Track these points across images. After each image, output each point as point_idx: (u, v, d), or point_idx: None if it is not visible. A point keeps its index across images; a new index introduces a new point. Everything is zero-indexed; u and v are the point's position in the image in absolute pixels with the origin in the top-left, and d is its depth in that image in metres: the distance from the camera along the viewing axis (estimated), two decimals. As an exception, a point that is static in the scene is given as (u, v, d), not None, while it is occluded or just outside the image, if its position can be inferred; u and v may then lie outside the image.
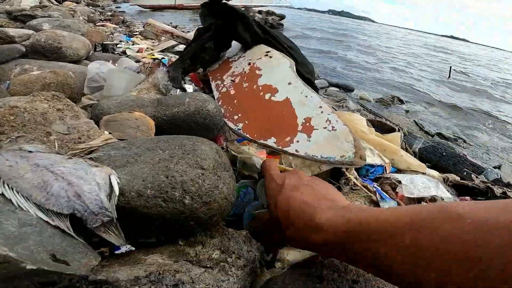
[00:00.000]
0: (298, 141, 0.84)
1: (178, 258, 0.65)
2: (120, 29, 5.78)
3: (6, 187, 0.52)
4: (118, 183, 0.59)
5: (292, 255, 0.91)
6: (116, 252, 0.58)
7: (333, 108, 2.47)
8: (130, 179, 0.62)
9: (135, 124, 0.93)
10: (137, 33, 4.81)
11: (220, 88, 1.35)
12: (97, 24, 6.16)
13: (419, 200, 1.21)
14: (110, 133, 0.88)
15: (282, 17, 11.40)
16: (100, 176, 0.58)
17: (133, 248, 0.60)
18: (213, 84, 1.44)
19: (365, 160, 0.72)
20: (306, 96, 0.97)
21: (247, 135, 0.98)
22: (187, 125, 1.02)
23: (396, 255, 0.34)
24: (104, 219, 0.52)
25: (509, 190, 1.71)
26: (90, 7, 11.39)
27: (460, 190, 1.70)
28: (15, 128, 0.74)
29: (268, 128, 0.95)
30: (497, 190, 1.64)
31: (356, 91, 3.57)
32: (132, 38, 3.82)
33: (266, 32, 1.77)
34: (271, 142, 0.90)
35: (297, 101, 0.97)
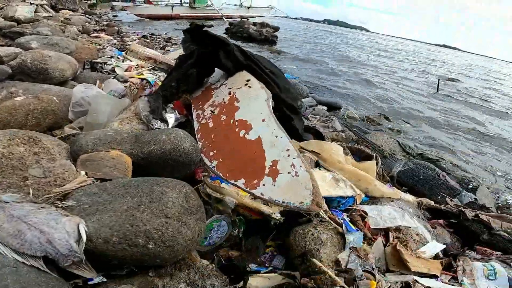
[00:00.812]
0: (264, 184, 0.89)
1: None
2: (114, 41, 5.82)
3: (-16, 235, 0.59)
4: (85, 231, 0.66)
5: (261, 282, 0.95)
6: (90, 283, 0.66)
7: (320, 128, 2.53)
8: (97, 227, 0.68)
9: (112, 163, 0.97)
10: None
11: (200, 119, 1.39)
12: (91, 35, 6.20)
13: (385, 229, 1.26)
14: (86, 173, 0.92)
15: (276, 29, 11.60)
16: (69, 225, 0.64)
17: (105, 280, 0.68)
18: (194, 114, 1.48)
19: (321, 207, 0.77)
20: (276, 137, 1.02)
21: (220, 174, 1.02)
22: (163, 162, 1.06)
23: None
24: (74, 260, 0.61)
25: (481, 212, 1.77)
26: (87, 15, 11.45)
27: (434, 213, 1.76)
28: (-9, 174, 0.78)
29: (239, 168, 1.00)
30: (469, 214, 1.70)
31: (344, 108, 3.66)
32: (123, 53, 3.87)
33: (248, 58, 1.82)
34: (240, 183, 0.94)
35: (268, 141, 1.02)
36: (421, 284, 1.08)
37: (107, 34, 6.71)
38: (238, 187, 0.93)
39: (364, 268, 1.05)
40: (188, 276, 0.77)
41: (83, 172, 0.89)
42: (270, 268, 1.07)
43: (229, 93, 1.50)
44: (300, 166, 0.87)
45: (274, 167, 0.91)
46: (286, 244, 1.13)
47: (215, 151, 1.11)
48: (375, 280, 1.01)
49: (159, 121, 1.38)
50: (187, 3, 19.26)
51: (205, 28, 1.78)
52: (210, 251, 1.15)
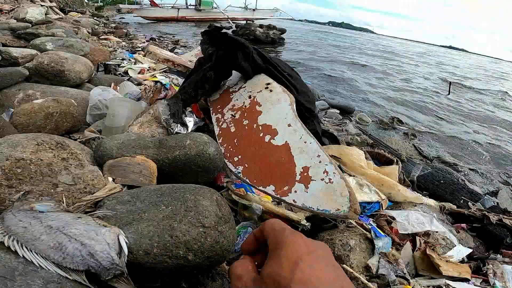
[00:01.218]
0: (296, 191, 0.86)
1: None
2: (124, 43, 5.87)
3: (25, 249, 0.57)
4: (126, 242, 0.63)
5: None
6: None
7: (334, 132, 2.50)
8: (137, 238, 0.65)
9: (138, 169, 0.95)
10: (140, 49, 4.88)
11: (221, 123, 1.37)
12: (100, 37, 6.26)
13: (413, 234, 1.23)
14: (113, 179, 0.90)
15: (283, 31, 11.58)
16: (109, 236, 0.62)
17: None
18: (213, 118, 1.46)
19: (359, 214, 0.74)
20: (305, 142, 0.99)
21: (247, 180, 1.00)
22: (188, 167, 1.04)
23: None
24: (116, 273, 0.59)
25: (505, 217, 1.73)
26: (95, 18, 11.58)
27: (456, 217, 1.72)
28: (23, 181, 0.76)
29: (267, 174, 0.97)
30: (493, 218, 1.67)
31: (357, 111, 3.61)
32: (134, 55, 3.88)
33: (266, 61, 1.80)
34: (270, 190, 0.91)
35: (296, 147, 0.99)
36: (453, 287, 1.06)
37: (115, 36, 6.77)
38: (268, 194, 0.91)
39: (396, 273, 1.02)
40: (222, 286, 0.75)
41: (110, 179, 0.87)
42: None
43: (249, 97, 1.48)
44: (334, 173, 0.84)
45: (305, 174, 0.88)
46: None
47: (240, 156, 1.09)
48: (409, 284, 0.98)
49: (179, 125, 1.36)
50: (193, 5, 19.39)
51: (224, 30, 1.76)
52: (236, 258, 1.13)
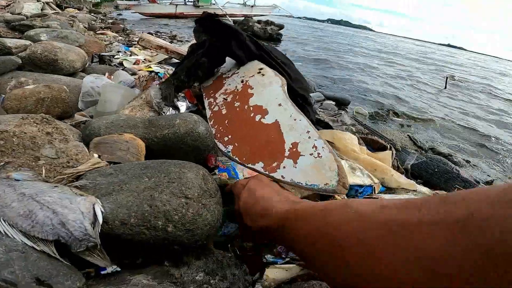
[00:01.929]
0: (284, 167, 0.85)
1: (162, 280, 0.66)
2: (120, 37, 5.84)
3: (-6, 215, 0.55)
4: (102, 212, 0.61)
5: (278, 273, 0.92)
6: (102, 272, 0.60)
7: (329, 122, 2.49)
8: (114, 208, 0.64)
9: (125, 146, 0.94)
10: (136, 42, 4.85)
11: (213, 106, 1.36)
12: (97, 32, 6.22)
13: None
14: (99, 155, 0.89)
15: (281, 27, 11.54)
16: (84, 205, 0.60)
17: (119, 269, 0.62)
18: (206, 102, 1.45)
19: (347, 189, 0.73)
20: (295, 120, 0.98)
21: (236, 158, 0.99)
22: (177, 146, 1.03)
23: (309, 232, 0.42)
24: (88, 245, 0.55)
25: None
26: (92, 14, 11.51)
27: (450, 207, 1.72)
28: (4, 153, 0.75)
29: (256, 152, 0.96)
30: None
31: (352, 104, 3.61)
32: (130, 48, 3.86)
33: (260, 48, 1.79)
34: (259, 166, 0.91)
35: (286, 125, 0.98)
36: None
37: (112, 32, 6.73)
38: (257, 170, 0.90)
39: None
40: (207, 265, 0.73)
41: (96, 155, 0.86)
42: (287, 259, 1.04)
43: (242, 81, 1.47)
44: (323, 147, 0.83)
45: (294, 149, 0.87)
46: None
47: (229, 136, 1.08)
48: None
49: (171, 108, 1.35)
50: (191, 1, 19.33)
51: (218, 18, 1.74)
52: (224, 242, 1.13)
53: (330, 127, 2.22)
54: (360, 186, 1.25)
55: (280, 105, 1.10)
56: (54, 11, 7.59)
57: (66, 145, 0.83)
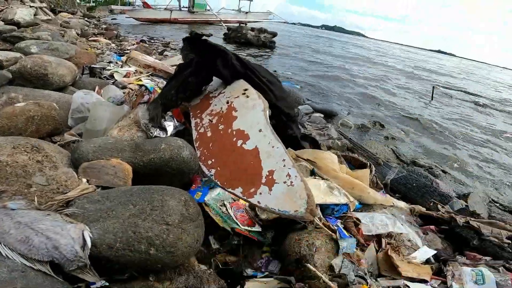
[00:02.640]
0: (261, 193, 0.92)
1: None
2: (113, 45, 5.87)
3: (-5, 242, 0.63)
4: (90, 237, 0.69)
5: (257, 286, 0.99)
6: (92, 287, 0.69)
7: (316, 136, 2.58)
8: (102, 234, 0.71)
9: (113, 171, 0.99)
10: (128, 51, 4.88)
11: (199, 127, 1.42)
12: (89, 38, 6.24)
13: (378, 235, 1.30)
14: (87, 180, 0.94)
15: (274, 34, 11.72)
16: (74, 231, 0.68)
17: (107, 284, 0.71)
18: (192, 122, 1.51)
19: (315, 216, 0.80)
20: (273, 147, 1.06)
21: (218, 182, 1.06)
22: (163, 170, 1.09)
23: None
24: (79, 264, 0.64)
25: (472, 219, 1.82)
26: (86, 19, 11.48)
27: (425, 219, 1.81)
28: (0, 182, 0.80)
29: (236, 176, 1.03)
30: (460, 220, 1.74)
31: (340, 115, 3.72)
32: (122, 58, 3.90)
33: (245, 67, 1.86)
34: (238, 191, 0.97)
35: (264, 151, 1.05)
36: (410, 288, 1.11)
37: (105, 38, 6.75)
38: (236, 195, 0.97)
39: (356, 273, 1.08)
40: (187, 280, 0.81)
41: (84, 180, 0.92)
42: (266, 273, 1.11)
43: (227, 102, 1.54)
44: (296, 176, 0.90)
45: (270, 177, 0.94)
46: (282, 250, 1.16)
47: (213, 160, 1.15)
48: (367, 285, 1.04)
49: (158, 129, 1.41)
50: (186, 7, 19.40)
51: (204, 37, 1.82)
52: (208, 256, 1.19)
53: (316, 142, 2.30)
54: (336, 204, 1.33)
55: (260, 130, 1.17)
56: (47, 17, 7.56)
57: (56, 172, 0.88)
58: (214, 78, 1.90)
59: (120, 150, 1.10)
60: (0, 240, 0.62)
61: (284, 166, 0.96)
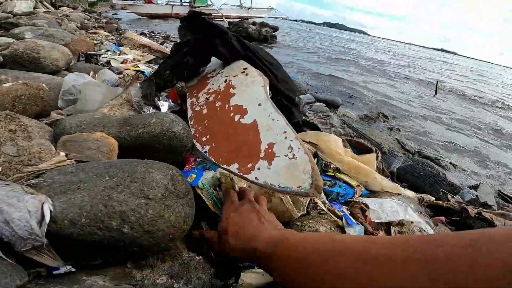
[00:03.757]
0: (259, 168, 0.83)
1: (120, 282, 0.62)
2: (112, 37, 5.77)
3: None
4: (50, 211, 0.58)
5: (254, 278, 0.89)
6: (55, 272, 0.58)
7: (318, 124, 2.48)
8: (65, 207, 0.60)
9: (95, 145, 0.90)
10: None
11: (194, 106, 1.33)
12: (89, 31, 6.14)
13: (387, 223, 1.20)
14: (66, 154, 0.85)
15: (275, 28, 11.57)
16: (32, 203, 0.57)
17: (74, 269, 0.60)
18: (188, 101, 1.42)
19: (320, 192, 0.71)
20: (273, 120, 0.96)
21: (212, 159, 0.96)
22: (153, 146, 1.00)
23: (291, 264, 0.49)
24: (34, 244, 0.53)
25: (484, 210, 1.72)
26: (86, 13, 11.38)
27: (435, 210, 1.71)
28: (-40, 150, 0.71)
29: (233, 152, 0.93)
30: (472, 211, 1.64)
31: (342, 106, 3.61)
32: (120, 47, 3.80)
33: (246, 48, 1.77)
34: (233, 168, 0.88)
35: (264, 125, 0.96)
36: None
37: (105, 31, 6.66)
38: (231, 171, 0.87)
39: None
40: (172, 268, 0.70)
41: (62, 153, 0.83)
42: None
43: (225, 81, 1.45)
44: (298, 148, 0.81)
45: (270, 150, 0.85)
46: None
47: (208, 136, 1.05)
48: None
49: (151, 108, 1.32)
50: (188, 2, 19.32)
51: (203, 16, 1.72)
52: (201, 244, 1.09)
53: (318, 129, 2.20)
54: (343, 188, 1.23)
55: (260, 104, 1.07)
56: (47, 10, 7.49)
57: (29, 143, 0.79)
58: (212, 59, 1.80)
59: (106, 125, 1.01)
60: None
61: (286, 138, 0.86)
